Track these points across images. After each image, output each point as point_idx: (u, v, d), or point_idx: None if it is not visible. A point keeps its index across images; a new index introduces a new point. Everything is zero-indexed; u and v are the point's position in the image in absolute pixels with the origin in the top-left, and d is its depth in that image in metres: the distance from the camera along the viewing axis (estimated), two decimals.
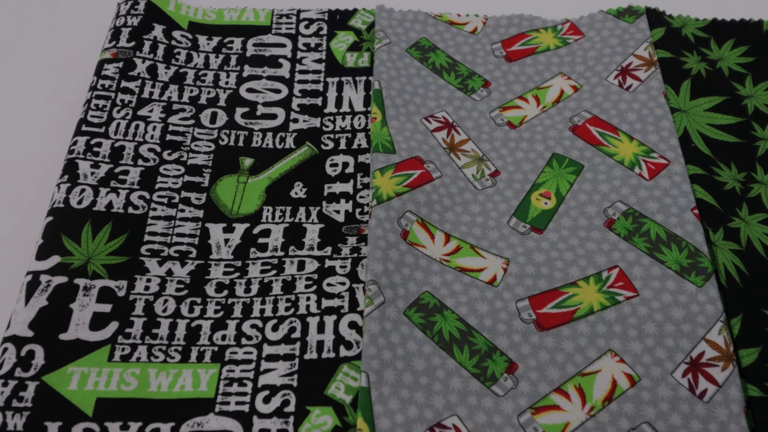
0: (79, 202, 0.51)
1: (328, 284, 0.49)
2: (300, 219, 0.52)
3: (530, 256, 0.49)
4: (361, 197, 0.53)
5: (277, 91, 0.60)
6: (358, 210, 0.53)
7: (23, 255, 0.50)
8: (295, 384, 0.44)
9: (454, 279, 0.48)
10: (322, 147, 0.56)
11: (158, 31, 0.62)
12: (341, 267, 0.49)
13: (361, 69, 0.61)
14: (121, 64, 0.59)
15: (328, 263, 0.50)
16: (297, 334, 0.46)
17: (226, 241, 0.51)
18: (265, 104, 0.59)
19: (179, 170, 0.54)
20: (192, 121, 0.57)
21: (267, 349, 0.46)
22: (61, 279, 0.47)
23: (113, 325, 0.46)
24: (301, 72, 0.61)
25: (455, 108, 0.58)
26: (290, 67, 0.61)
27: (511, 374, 0.44)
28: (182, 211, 0.52)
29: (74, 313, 0.46)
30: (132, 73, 0.59)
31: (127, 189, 0.53)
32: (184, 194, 0.53)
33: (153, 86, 0.58)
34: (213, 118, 0.58)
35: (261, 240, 0.51)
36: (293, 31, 0.64)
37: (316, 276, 0.49)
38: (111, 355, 0.45)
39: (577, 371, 0.44)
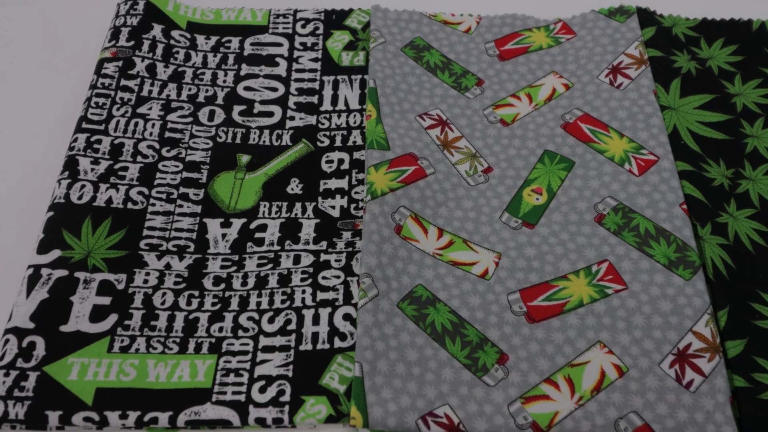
0: (80, 198, 0.52)
1: (323, 277, 0.50)
2: (296, 214, 0.53)
3: (521, 251, 0.50)
4: (356, 193, 0.54)
5: (274, 90, 0.61)
6: (353, 205, 0.54)
7: (25, 249, 0.51)
8: (290, 374, 0.45)
9: (447, 272, 0.49)
10: (318, 144, 0.57)
11: (157, 30, 0.63)
12: (336, 261, 0.50)
13: (357, 68, 0.62)
14: (120, 63, 0.60)
15: (323, 257, 0.51)
16: (293, 326, 0.47)
17: (224, 235, 0.52)
18: (263, 102, 0.60)
19: (178, 167, 0.55)
20: (190, 119, 0.58)
21: (263, 341, 0.47)
22: (62, 272, 0.48)
23: (113, 317, 0.47)
24: (298, 71, 0.62)
25: (449, 106, 0.59)
26: (287, 66, 0.62)
27: (501, 365, 0.45)
28: (180, 206, 0.53)
29: (74, 306, 0.47)
30: (131, 72, 0.60)
31: (127, 185, 0.54)
32: (182, 190, 0.54)
33: (152, 84, 0.60)
34: (211, 115, 0.59)
35: (258, 235, 0.52)
36: (290, 31, 0.65)
37: (311, 269, 0.50)
38: (110, 347, 0.46)
39: (566, 362, 0.45)
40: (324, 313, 0.48)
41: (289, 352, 0.46)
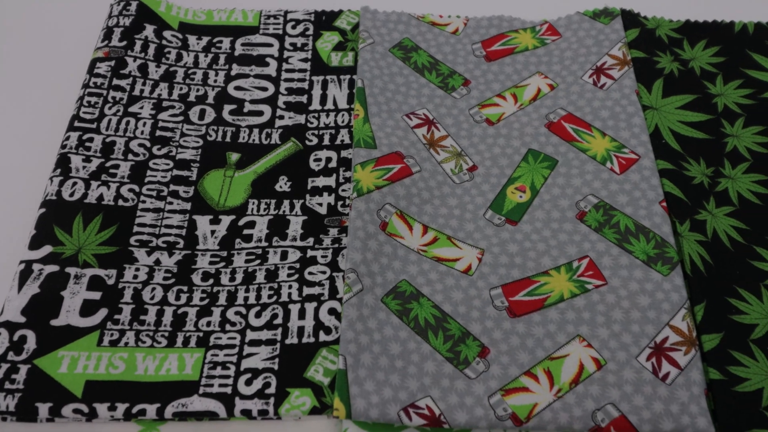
0: (71, 195, 0.53)
1: (310, 273, 0.51)
2: (284, 211, 0.54)
3: (504, 247, 0.51)
4: (343, 190, 0.55)
5: (264, 89, 0.62)
6: (340, 203, 0.55)
7: (17, 245, 0.52)
8: (276, 367, 0.46)
9: (431, 268, 0.50)
10: (307, 143, 0.58)
11: (149, 31, 0.64)
12: (322, 257, 0.51)
13: (346, 68, 0.63)
14: (113, 63, 0.61)
15: (310, 253, 0.52)
16: (279, 321, 0.48)
17: (213, 232, 0.53)
18: (252, 102, 0.61)
19: (168, 164, 0.56)
20: (181, 118, 0.59)
21: (250, 335, 0.48)
22: (53, 268, 0.49)
23: (102, 312, 0.48)
24: (288, 71, 0.63)
25: (436, 105, 0.60)
26: (277, 66, 0.63)
27: (483, 358, 0.46)
28: (170, 203, 0.54)
29: (65, 300, 0.48)
30: (123, 72, 0.61)
31: (118, 182, 0.55)
32: (172, 187, 0.55)
33: (144, 84, 0.61)
34: (201, 114, 0.60)
35: (246, 231, 0.53)
36: (280, 32, 0.66)
37: (298, 265, 0.51)
38: (100, 340, 0.47)
39: (546, 355, 0.46)
40: (310, 307, 0.49)
41: (275, 345, 0.47)
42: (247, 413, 0.44)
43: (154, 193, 0.55)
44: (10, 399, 0.44)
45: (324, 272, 0.51)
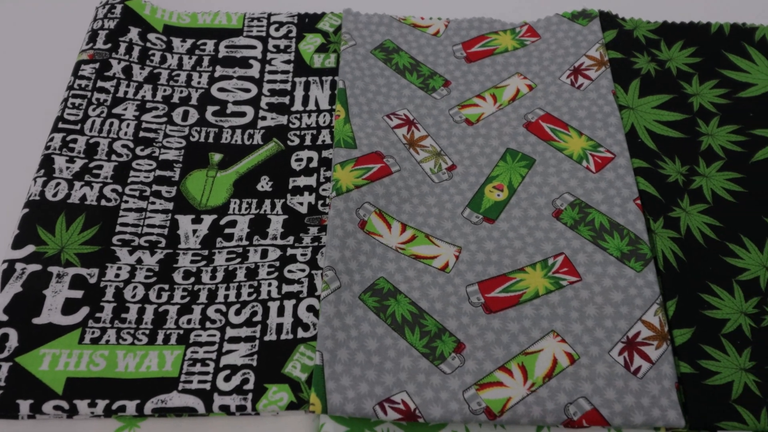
0: (54, 195, 0.54)
1: (289, 271, 0.51)
2: (265, 211, 0.55)
3: (481, 245, 0.52)
4: (323, 190, 0.56)
5: (247, 91, 0.63)
6: (320, 202, 0.55)
7: (0, 244, 0.52)
8: (254, 364, 0.47)
9: (409, 266, 0.51)
10: (289, 143, 0.59)
11: (134, 33, 0.64)
12: (302, 255, 0.52)
13: (328, 69, 0.64)
14: (97, 65, 0.61)
15: (289, 251, 0.52)
16: (258, 318, 0.49)
17: (194, 231, 0.54)
18: (235, 103, 0.62)
19: (151, 165, 0.57)
20: (164, 119, 0.60)
21: (229, 332, 0.48)
22: (36, 267, 0.50)
23: (84, 310, 0.49)
24: (271, 72, 0.64)
25: (416, 106, 0.61)
26: (260, 68, 0.64)
27: (458, 354, 0.47)
28: (153, 203, 0.55)
29: (47, 299, 0.49)
30: (108, 74, 0.61)
31: (101, 183, 0.55)
32: (155, 187, 0.56)
33: (128, 86, 0.61)
34: (185, 115, 0.60)
35: (227, 230, 0.54)
36: (264, 34, 0.67)
37: (278, 263, 0.52)
38: (81, 338, 0.48)
39: (520, 350, 0.47)
40: (289, 305, 0.50)
41: (254, 342, 0.48)
42: (225, 409, 0.45)
43: (136, 193, 0.55)
44: None
45: (303, 270, 0.51)
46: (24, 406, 0.44)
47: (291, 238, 0.53)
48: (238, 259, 0.52)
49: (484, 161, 0.57)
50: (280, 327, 0.49)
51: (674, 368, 0.46)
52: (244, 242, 0.53)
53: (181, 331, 0.49)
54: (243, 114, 0.61)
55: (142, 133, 0.59)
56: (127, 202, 0.55)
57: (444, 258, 0.51)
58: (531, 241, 0.52)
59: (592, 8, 0.66)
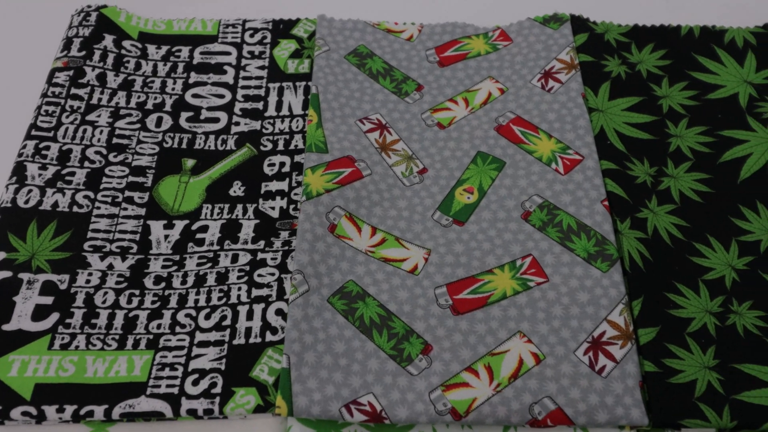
0: (26, 202, 0.54)
1: (259, 275, 0.52)
2: (237, 215, 0.55)
3: (450, 247, 0.53)
4: (295, 194, 0.56)
5: (221, 96, 0.63)
6: (292, 206, 0.56)
7: None
8: (223, 367, 0.47)
9: (378, 268, 0.51)
10: (261, 148, 0.60)
11: (108, 41, 0.65)
12: (272, 259, 0.53)
13: (302, 75, 0.65)
14: (71, 73, 0.62)
15: (260, 255, 0.53)
16: (228, 322, 0.49)
17: (166, 236, 0.54)
18: (209, 109, 0.62)
19: (124, 171, 0.57)
20: (138, 125, 0.60)
21: (199, 336, 0.49)
22: (6, 273, 0.50)
23: (54, 316, 0.49)
24: (245, 78, 0.64)
25: (389, 110, 0.61)
26: (234, 74, 0.65)
27: (425, 355, 0.47)
28: (125, 209, 0.55)
29: (17, 305, 0.49)
30: (82, 81, 0.62)
31: (73, 189, 0.56)
32: (127, 193, 0.56)
33: (102, 93, 0.62)
34: (158, 122, 0.61)
35: (199, 235, 0.54)
36: (239, 40, 0.67)
37: (248, 268, 0.52)
38: (51, 344, 0.48)
39: (487, 351, 0.47)
40: (258, 308, 0.50)
41: (223, 346, 0.48)
42: (192, 413, 0.45)
43: (109, 200, 0.55)
44: None
45: (273, 274, 0.52)
46: None
47: (262, 243, 0.54)
48: (209, 264, 0.52)
49: (455, 164, 0.58)
50: (249, 331, 0.49)
51: (638, 367, 0.46)
52: (215, 247, 0.53)
53: (151, 336, 0.49)
54: (217, 120, 0.61)
55: (115, 140, 0.59)
56: (99, 208, 0.55)
57: (413, 260, 0.52)
58: (500, 243, 0.53)
59: (564, 12, 0.67)
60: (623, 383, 0.45)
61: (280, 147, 0.60)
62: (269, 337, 0.48)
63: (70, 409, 0.45)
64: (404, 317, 0.49)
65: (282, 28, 0.68)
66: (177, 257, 0.53)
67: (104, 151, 0.58)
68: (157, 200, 0.56)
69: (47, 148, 0.57)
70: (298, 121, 0.61)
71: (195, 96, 0.63)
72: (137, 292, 0.51)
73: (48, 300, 0.50)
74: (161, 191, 0.57)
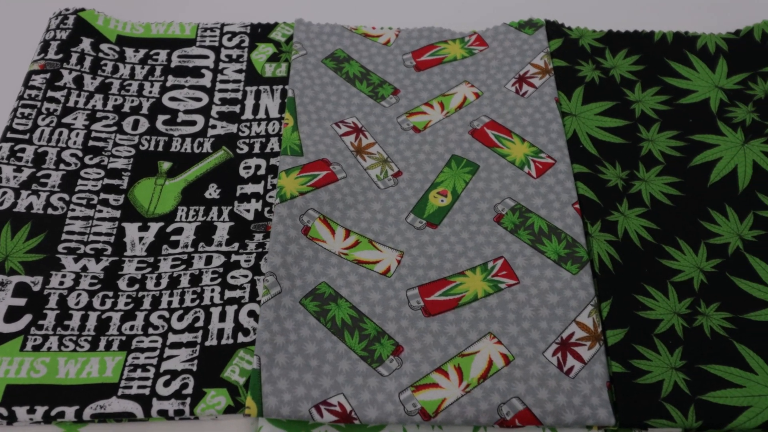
0: (1, 204, 0.54)
1: (232, 277, 0.52)
2: (212, 218, 0.56)
3: (423, 249, 0.53)
4: (270, 197, 0.57)
5: (198, 100, 0.63)
6: (267, 209, 0.56)
7: None
8: (194, 369, 0.47)
9: (351, 270, 0.52)
10: (238, 151, 0.60)
11: (86, 44, 0.65)
12: (246, 261, 0.53)
13: (279, 78, 0.65)
14: (48, 75, 0.62)
15: (234, 258, 0.53)
16: (200, 323, 0.49)
17: (141, 239, 0.54)
18: (186, 112, 0.62)
19: (99, 174, 0.57)
20: (114, 128, 0.60)
21: (171, 338, 0.49)
22: None
23: (27, 318, 0.49)
24: (222, 81, 0.65)
25: (365, 114, 0.62)
26: (212, 77, 0.65)
27: (396, 356, 0.47)
28: (100, 211, 0.55)
29: None
30: (58, 84, 0.62)
31: (48, 191, 0.56)
32: (102, 196, 0.56)
33: (78, 95, 0.62)
34: (135, 124, 0.61)
35: (173, 237, 0.54)
36: (216, 44, 0.67)
37: (221, 270, 0.52)
38: (23, 345, 0.48)
39: (457, 352, 0.48)
40: (230, 310, 0.50)
41: (195, 347, 0.48)
42: (163, 413, 0.45)
43: (84, 202, 0.56)
44: None
45: (246, 276, 0.52)
46: None
47: (236, 245, 0.54)
48: (183, 266, 0.53)
49: (430, 167, 0.58)
50: (221, 332, 0.49)
51: (606, 368, 0.47)
52: (190, 249, 0.54)
53: (124, 338, 0.49)
54: (193, 123, 0.62)
55: (91, 142, 0.59)
56: (74, 210, 0.55)
57: (386, 263, 0.52)
58: (472, 246, 0.53)
59: (539, 18, 0.68)
60: (591, 384, 0.46)
61: (257, 150, 0.60)
62: (241, 338, 0.49)
63: (41, 410, 0.45)
64: (376, 319, 0.49)
65: (260, 32, 0.68)
66: (151, 259, 0.53)
67: (80, 154, 0.58)
68: (133, 203, 0.56)
69: (23, 150, 0.57)
70: (274, 124, 0.62)
71: (172, 99, 0.63)
72: (111, 293, 0.51)
73: (21, 302, 0.50)
74: (137, 194, 0.57)
